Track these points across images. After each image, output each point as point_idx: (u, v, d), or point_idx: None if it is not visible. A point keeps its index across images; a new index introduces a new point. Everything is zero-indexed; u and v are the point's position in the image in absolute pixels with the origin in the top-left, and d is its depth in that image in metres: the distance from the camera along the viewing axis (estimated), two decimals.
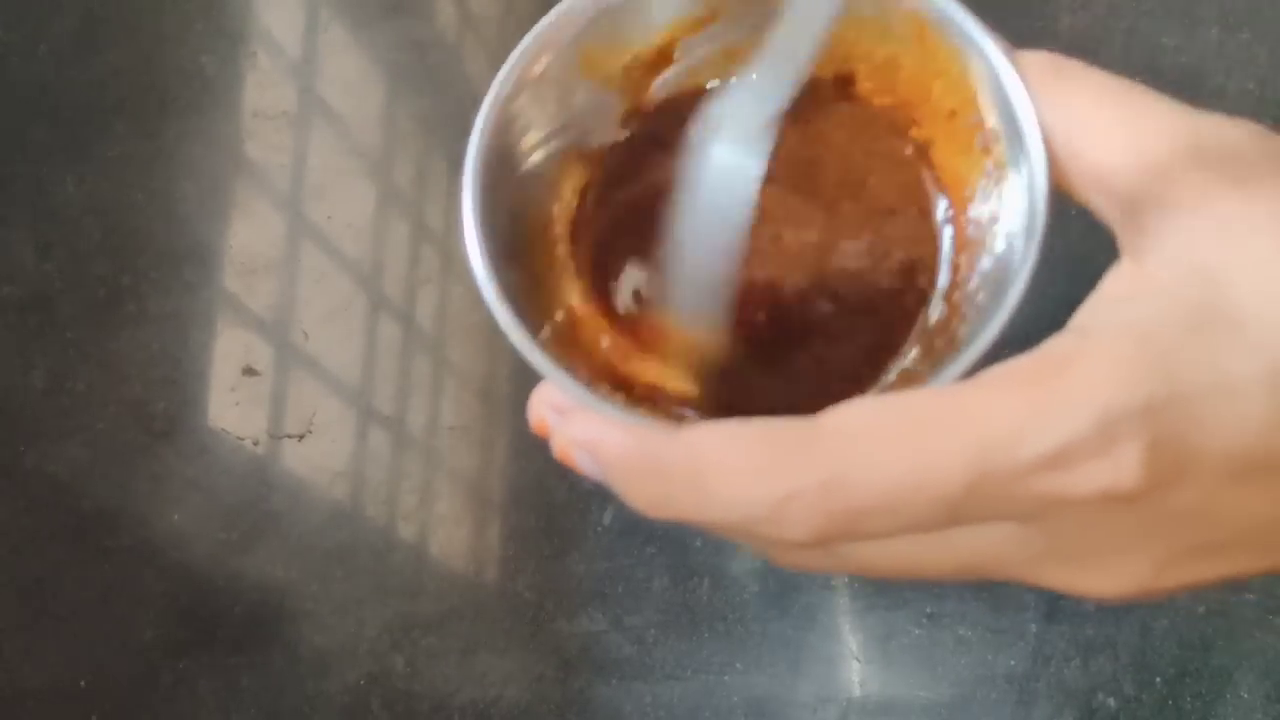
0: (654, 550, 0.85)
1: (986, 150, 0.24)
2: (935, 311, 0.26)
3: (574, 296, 0.27)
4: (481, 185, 0.24)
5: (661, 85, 0.28)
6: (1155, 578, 0.20)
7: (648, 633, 0.84)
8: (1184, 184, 0.20)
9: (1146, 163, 0.21)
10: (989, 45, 0.23)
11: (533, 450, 0.84)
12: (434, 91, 1.02)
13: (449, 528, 0.89)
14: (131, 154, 1.00)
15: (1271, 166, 0.20)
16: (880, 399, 0.20)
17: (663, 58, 0.28)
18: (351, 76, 1.03)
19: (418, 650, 0.86)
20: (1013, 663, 0.82)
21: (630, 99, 0.28)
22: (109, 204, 0.98)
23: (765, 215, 0.26)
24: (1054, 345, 0.20)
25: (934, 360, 0.24)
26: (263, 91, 1.02)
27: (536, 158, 0.26)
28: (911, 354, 0.26)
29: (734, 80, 0.24)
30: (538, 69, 0.25)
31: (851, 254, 0.26)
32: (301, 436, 0.92)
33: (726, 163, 0.23)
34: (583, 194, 0.28)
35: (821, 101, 0.27)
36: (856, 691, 0.83)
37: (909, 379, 0.25)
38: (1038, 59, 0.23)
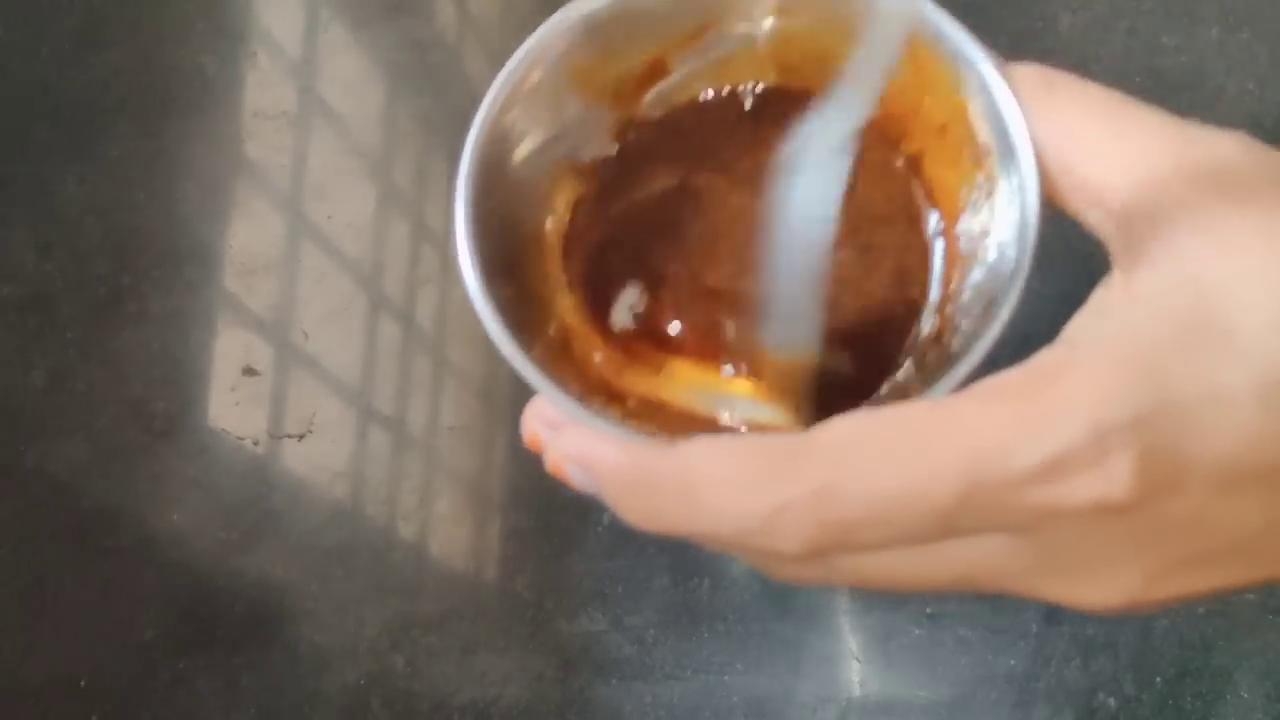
0: (654, 550, 0.85)
1: (978, 164, 0.24)
2: (927, 324, 0.26)
3: (567, 310, 0.27)
4: (474, 199, 0.24)
5: (653, 99, 0.28)
6: (1147, 589, 0.20)
7: (648, 633, 0.85)
8: (1174, 196, 0.21)
9: (1137, 175, 0.21)
10: (981, 59, 0.24)
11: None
12: (434, 91, 1.02)
13: (449, 527, 0.89)
14: (132, 154, 1.00)
15: (1261, 178, 0.21)
16: (872, 412, 0.20)
17: (654, 72, 0.28)
18: (351, 76, 1.03)
19: (418, 650, 0.86)
20: (1013, 663, 0.82)
21: (622, 113, 0.28)
22: (109, 203, 0.98)
23: (756, 227, 0.27)
24: (1045, 357, 0.20)
25: (927, 373, 0.24)
26: (263, 91, 1.02)
27: (529, 171, 0.26)
28: (904, 367, 0.26)
29: (818, 106, 0.24)
30: (529, 83, 0.26)
31: (842, 264, 0.26)
32: (301, 436, 0.92)
33: (809, 181, 0.23)
34: (575, 208, 0.28)
35: (813, 108, 0.28)
36: (856, 691, 0.83)
37: (902, 392, 0.25)
38: (1029, 72, 0.23)
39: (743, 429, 0.26)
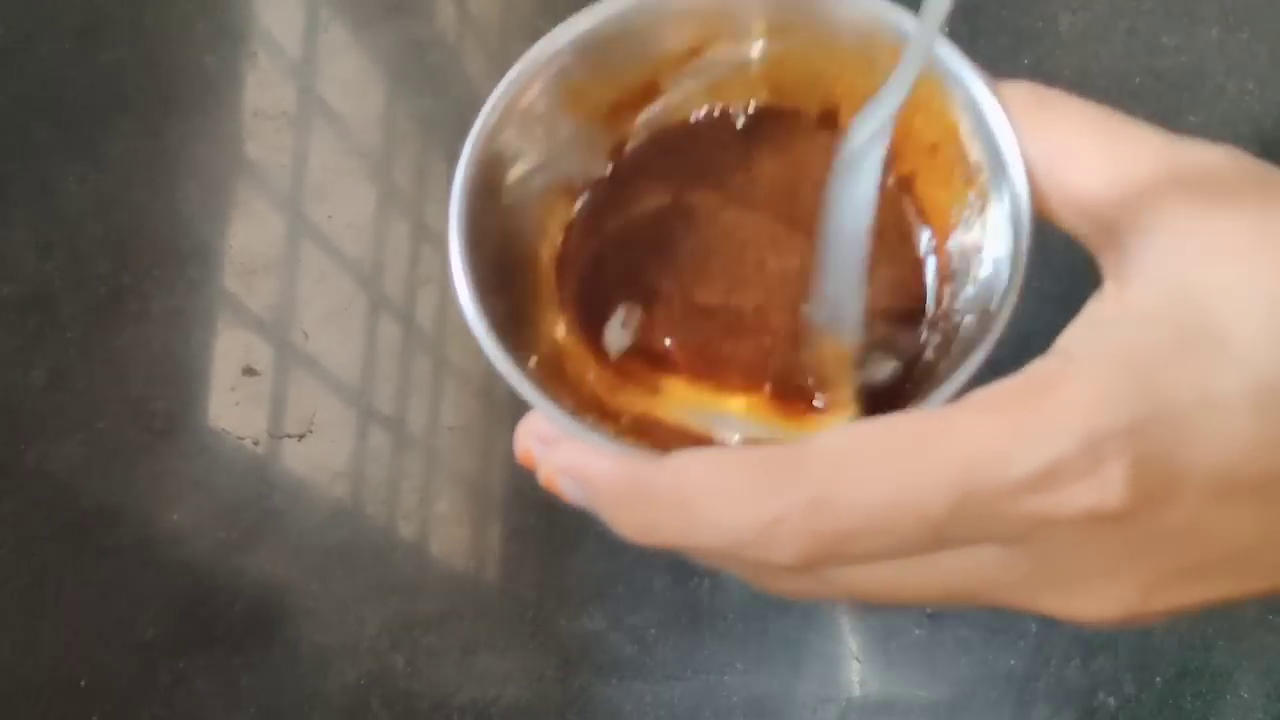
0: (654, 551, 0.85)
1: (969, 181, 0.25)
2: (922, 339, 0.26)
3: (560, 329, 0.27)
4: (468, 217, 0.24)
5: (646, 120, 0.28)
6: (1143, 601, 0.20)
7: (648, 632, 0.85)
8: (1164, 207, 0.21)
9: (1127, 188, 0.21)
10: (971, 77, 0.24)
11: None
12: (434, 91, 1.02)
13: (449, 527, 0.89)
14: (133, 153, 1.00)
15: (1250, 188, 0.21)
16: (866, 422, 0.20)
17: (647, 93, 0.28)
18: (351, 76, 1.03)
19: (418, 649, 0.86)
20: (1013, 662, 0.82)
21: (615, 133, 0.28)
22: (110, 203, 0.98)
23: (749, 243, 0.27)
24: (1038, 368, 0.20)
25: (923, 385, 0.25)
26: (263, 91, 1.02)
27: (523, 191, 0.27)
28: (892, 371, 0.26)
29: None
30: (523, 103, 0.26)
31: None
32: (302, 436, 0.92)
33: (854, 159, 0.23)
34: (568, 227, 0.28)
35: (805, 133, 0.28)
36: (856, 691, 0.83)
37: (901, 403, 0.25)
38: (1019, 90, 0.23)
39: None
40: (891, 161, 0.27)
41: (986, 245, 0.24)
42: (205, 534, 0.89)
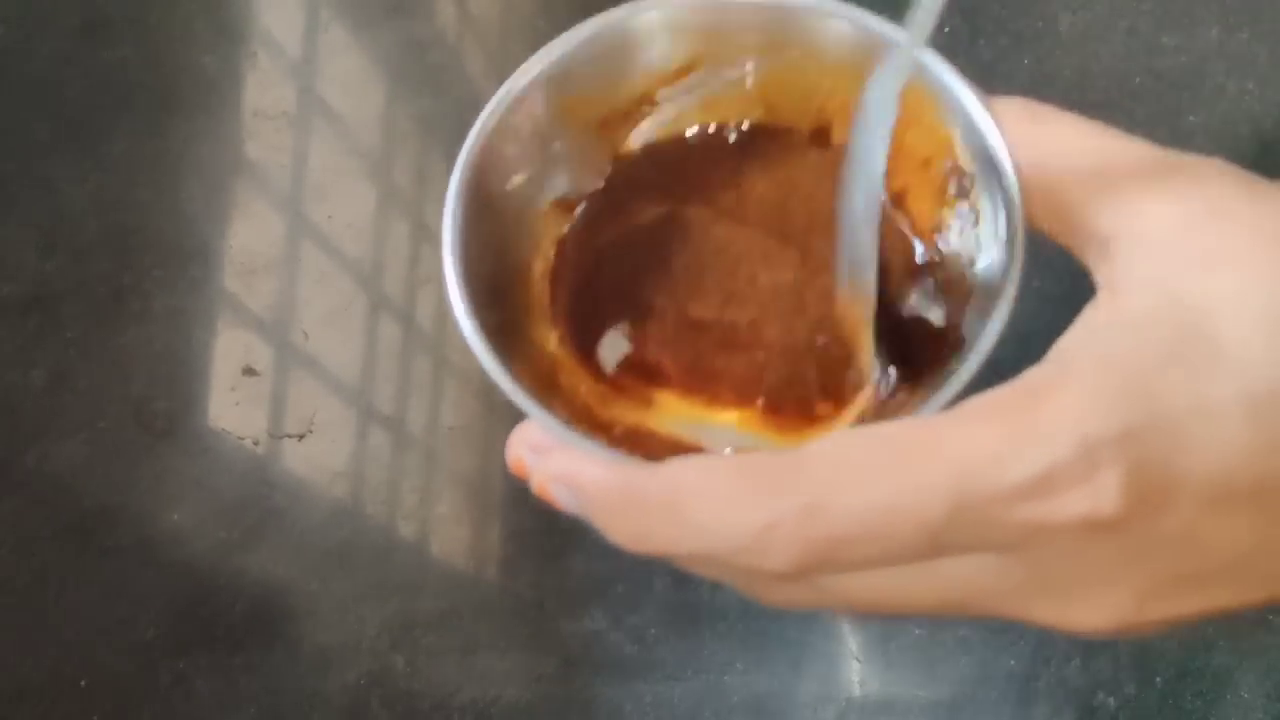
0: (649, 558, 0.85)
1: (962, 195, 0.25)
2: (910, 350, 0.26)
3: (553, 342, 0.27)
4: (462, 228, 0.24)
5: (640, 135, 0.28)
6: (1138, 610, 0.20)
7: (648, 632, 0.85)
8: (1157, 217, 0.21)
9: (1120, 199, 0.21)
10: (964, 90, 0.24)
11: None
12: (434, 91, 1.02)
13: (449, 527, 0.89)
14: (133, 153, 1.00)
15: (1242, 198, 0.21)
16: (860, 429, 0.20)
17: (640, 108, 0.28)
18: (351, 76, 1.03)
19: (418, 649, 0.86)
20: (1013, 663, 0.82)
21: (608, 148, 0.28)
22: (111, 203, 0.98)
23: (742, 258, 0.27)
24: (1033, 375, 0.20)
25: (916, 395, 0.25)
26: (263, 91, 1.02)
27: (516, 204, 0.27)
28: (885, 387, 0.26)
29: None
30: (517, 116, 0.26)
31: (827, 292, 0.27)
32: (302, 436, 0.92)
33: (866, 135, 0.24)
34: (561, 241, 0.28)
35: (798, 150, 0.28)
36: (856, 691, 0.83)
37: (896, 411, 0.25)
38: (1012, 104, 0.24)
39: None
40: (885, 177, 0.27)
41: (980, 258, 0.24)
42: (205, 534, 0.89)
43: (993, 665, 0.82)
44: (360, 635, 0.86)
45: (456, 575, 0.89)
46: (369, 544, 0.89)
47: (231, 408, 0.93)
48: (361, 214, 0.97)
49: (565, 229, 0.28)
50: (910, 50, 0.23)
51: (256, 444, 0.92)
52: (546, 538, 0.87)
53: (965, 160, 0.24)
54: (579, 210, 0.28)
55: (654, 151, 0.28)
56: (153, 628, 0.87)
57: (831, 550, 0.19)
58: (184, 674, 0.86)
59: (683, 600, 0.84)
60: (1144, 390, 0.19)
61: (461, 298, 0.23)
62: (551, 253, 0.27)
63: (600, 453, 0.22)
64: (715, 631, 0.84)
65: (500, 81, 0.26)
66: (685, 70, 0.27)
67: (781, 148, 0.27)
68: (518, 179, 0.26)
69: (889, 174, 0.27)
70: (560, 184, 0.27)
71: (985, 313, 0.23)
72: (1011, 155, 0.23)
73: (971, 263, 0.24)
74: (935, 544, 0.19)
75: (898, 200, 0.27)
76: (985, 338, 0.22)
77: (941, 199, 0.25)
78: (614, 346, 0.27)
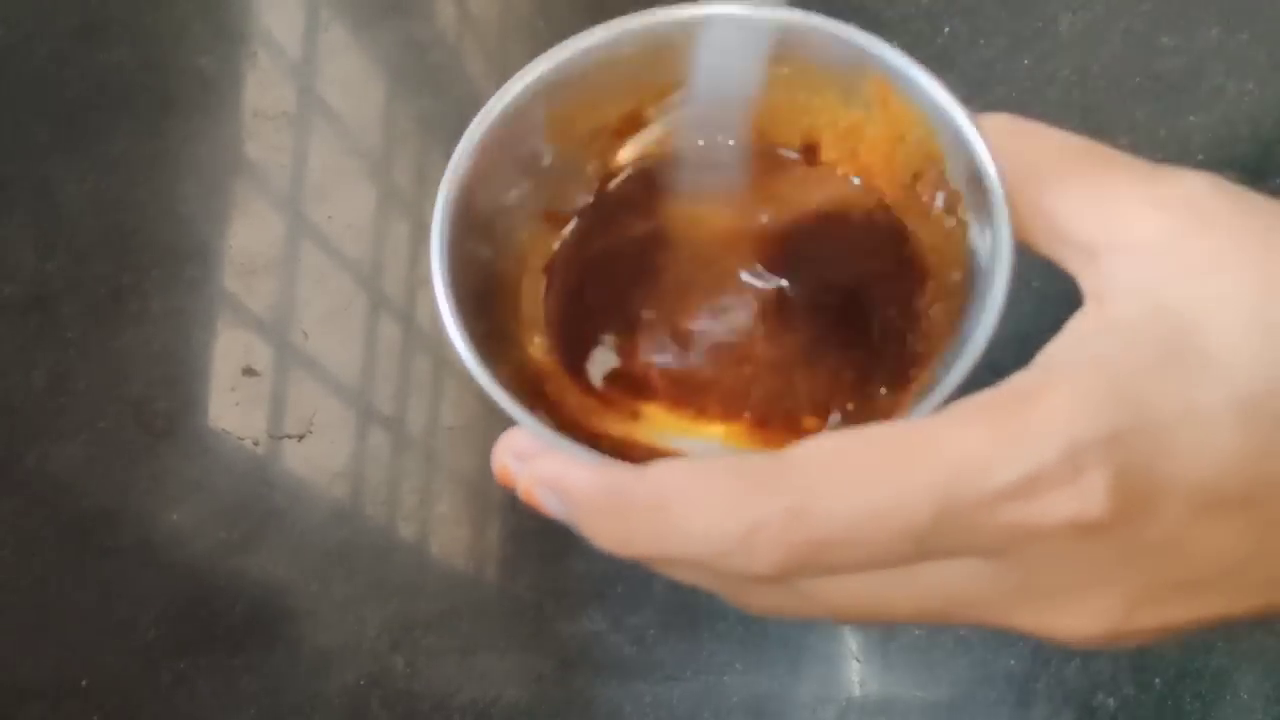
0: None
1: (950, 210, 0.25)
2: (897, 362, 0.26)
3: (541, 353, 0.27)
4: (450, 241, 0.24)
5: (629, 150, 0.28)
6: (1127, 617, 0.20)
7: (648, 633, 0.85)
8: (1144, 227, 0.21)
9: (1107, 210, 0.21)
10: (952, 106, 0.24)
11: None
12: (434, 91, 1.02)
13: (449, 527, 0.89)
14: (132, 153, 1.00)
15: (1229, 209, 0.21)
16: (845, 432, 0.20)
17: (630, 124, 0.28)
18: (351, 76, 1.03)
19: (418, 650, 0.86)
20: (1012, 663, 0.82)
21: (598, 163, 0.28)
22: (110, 203, 0.98)
23: (730, 273, 0.27)
24: (1020, 379, 0.20)
25: (903, 406, 0.25)
26: (263, 91, 1.02)
27: (506, 217, 0.27)
28: (872, 400, 0.26)
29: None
30: (506, 130, 0.26)
31: (815, 306, 0.27)
32: (301, 436, 0.92)
33: (727, 48, 0.24)
34: (551, 255, 0.28)
35: (786, 165, 0.28)
36: (856, 691, 0.83)
37: (884, 416, 0.25)
38: (999, 120, 0.24)
39: None
40: (871, 192, 0.27)
41: (967, 269, 0.24)
42: (205, 534, 0.89)
43: (992, 666, 0.82)
44: (360, 636, 0.86)
45: (456, 576, 0.89)
46: (369, 544, 0.89)
47: (231, 408, 0.93)
48: (361, 214, 0.97)
49: (555, 243, 0.28)
50: None
51: (256, 444, 0.92)
52: (546, 538, 0.87)
53: (952, 175, 0.24)
54: (569, 225, 0.28)
55: (645, 168, 0.28)
56: (153, 628, 0.87)
57: (816, 553, 0.19)
58: (184, 674, 0.86)
59: (682, 601, 0.84)
60: (1132, 395, 0.19)
61: (450, 309, 0.23)
62: (540, 265, 0.28)
63: (586, 456, 0.22)
64: (715, 632, 0.84)
65: (500, 82, 0.26)
66: (677, 86, 0.27)
67: (769, 163, 0.28)
68: (508, 192, 0.26)
69: (879, 194, 0.27)
70: (552, 198, 0.28)
71: (973, 323, 0.23)
72: (998, 168, 0.23)
73: (960, 274, 0.24)
74: (920, 547, 0.19)
75: (889, 218, 0.27)
76: (971, 347, 0.22)
77: (930, 213, 0.25)
78: (602, 359, 0.27)
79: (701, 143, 0.28)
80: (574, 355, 0.27)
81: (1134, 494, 0.18)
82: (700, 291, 0.27)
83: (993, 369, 0.21)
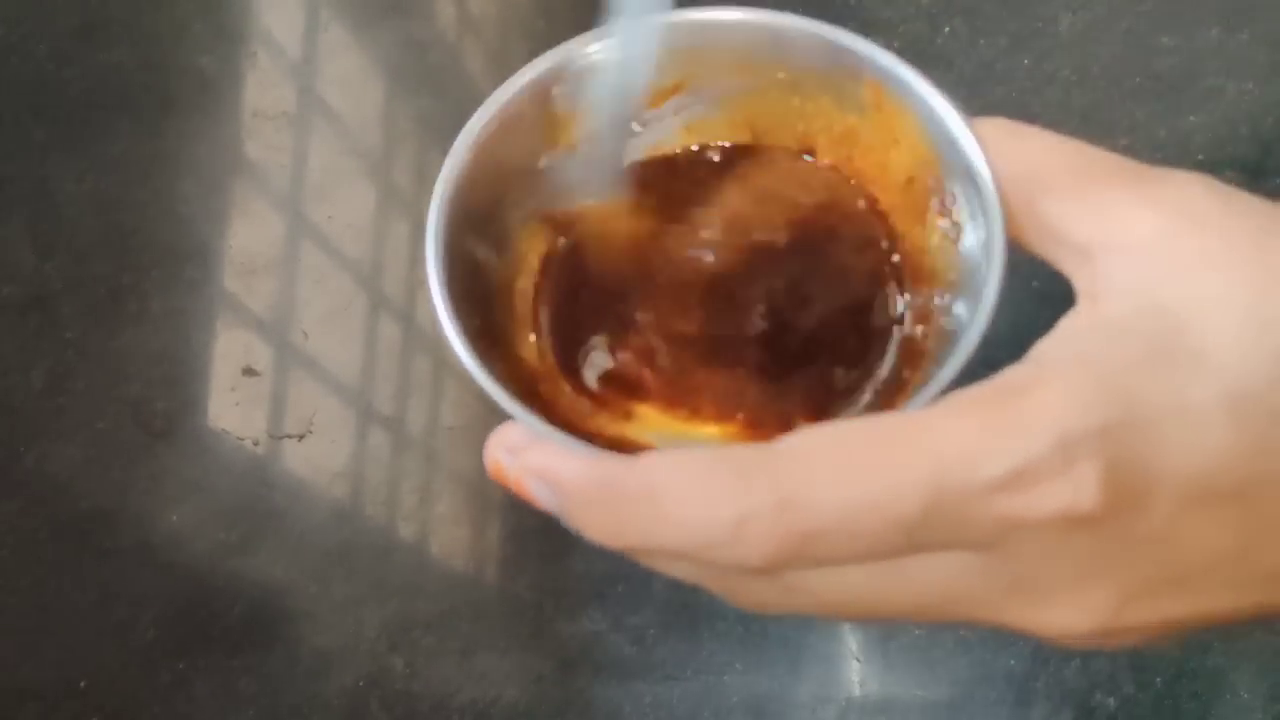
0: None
1: (944, 211, 0.25)
2: (890, 363, 0.26)
3: (535, 354, 0.27)
4: (446, 239, 0.24)
5: (625, 155, 0.29)
6: (1118, 613, 0.20)
7: (648, 633, 0.85)
8: (1137, 227, 0.21)
9: (1100, 210, 0.21)
10: (946, 110, 0.24)
11: None
12: (434, 91, 1.02)
13: (449, 528, 0.89)
14: (132, 153, 1.00)
15: (1221, 209, 0.21)
16: (836, 424, 0.20)
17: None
18: (351, 76, 1.03)
19: (417, 650, 0.86)
20: (1012, 662, 0.82)
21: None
22: (109, 203, 0.98)
23: (724, 276, 0.27)
24: (1011, 373, 0.20)
25: (897, 402, 0.25)
26: (263, 91, 1.02)
27: (501, 218, 0.27)
28: (865, 400, 0.26)
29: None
30: (503, 131, 0.26)
31: (810, 308, 0.27)
32: (301, 436, 0.92)
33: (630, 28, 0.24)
34: (545, 257, 0.28)
35: (780, 170, 0.28)
36: (856, 691, 0.83)
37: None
38: (993, 123, 0.24)
39: None
40: (863, 192, 0.28)
41: (961, 271, 0.24)
42: (205, 535, 0.89)
43: (992, 665, 0.82)
44: (359, 637, 0.86)
45: (455, 576, 0.89)
46: (368, 545, 0.89)
47: (231, 408, 0.93)
48: (361, 214, 0.97)
49: (549, 245, 0.28)
50: None
51: (256, 444, 0.92)
52: (546, 538, 0.87)
53: (947, 178, 0.24)
54: (564, 227, 0.28)
55: (639, 170, 0.29)
56: (152, 629, 0.87)
57: (806, 544, 0.19)
58: (183, 675, 0.86)
59: (682, 601, 0.84)
60: (1123, 389, 0.19)
61: (445, 305, 0.23)
62: (536, 266, 0.28)
63: (577, 448, 0.22)
64: (714, 632, 0.84)
65: (500, 82, 0.26)
66: (672, 90, 0.28)
67: (765, 167, 0.28)
68: (503, 192, 0.26)
69: (874, 198, 0.27)
70: (546, 201, 0.28)
71: (966, 324, 0.23)
72: (991, 170, 0.23)
73: (954, 275, 0.24)
74: (911, 539, 0.19)
75: (881, 217, 0.27)
76: (963, 346, 0.22)
77: (925, 216, 0.25)
78: (596, 360, 0.27)
79: (696, 146, 0.28)
80: (568, 355, 0.27)
81: (1125, 487, 0.18)
82: (694, 293, 0.27)
83: (991, 369, 0.21)
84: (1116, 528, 0.19)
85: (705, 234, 0.28)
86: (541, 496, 0.22)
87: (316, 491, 0.90)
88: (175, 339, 0.94)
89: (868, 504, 0.19)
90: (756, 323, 0.27)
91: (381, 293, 0.96)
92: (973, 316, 0.23)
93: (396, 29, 1.04)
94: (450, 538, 0.89)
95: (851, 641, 0.84)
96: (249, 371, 0.93)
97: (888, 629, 0.84)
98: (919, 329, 0.26)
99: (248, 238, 0.97)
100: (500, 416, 0.24)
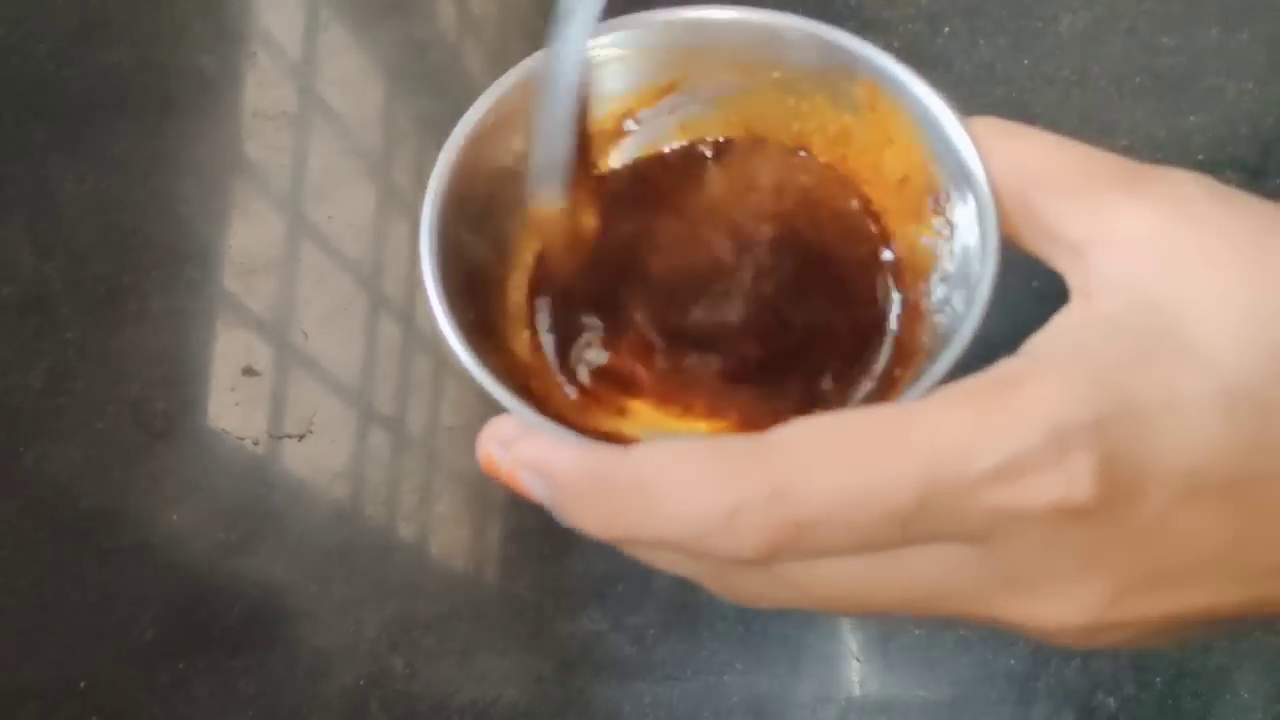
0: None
1: (938, 210, 0.25)
2: (883, 360, 0.26)
3: (528, 349, 0.27)
4: (441, 232, 0.24)
5: (620, 154, 0.29)
6: (1111, 606, 0.20)
7: (648, 633, 0.85)
8: (1130, 224, 0.21)
9: (1092, 206, 0.21)
10: (940, 109, 0.24)
11: None
12: (434, 91, 1.02)
13: (449, 528, 0.89)
14: (132, 153, 1.00)
15: (1214, 206, 0.21)
16: (829, 415, 0.20)
17: (620, 125, 0.28)
18: (351, 76, 1.03)
19: (417, 651, 0.86)
20: (1013, 662, 0.82)
21: (589, 165, 0.28)
22: (109, 203, 0.98)
23: (718, 272, 0.27)
24: (1006, 366, 0.20)
25: (891, 399, 0.25)
26: (263, 91, 1.02)
27: (496, 213, 0.27)
28: (859, 397, 0.26)
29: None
30: (497, 126, 0.26)
31: (805, 304, 0.27)
32: (301, 436, 0.92)
33: (566, 20, 0.24)
34: (539, 253, 0.28)
35: (775, 168, 0.28)
36: (856, 691, 0.83)
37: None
38: (987, 122, 0.24)
39: None
40: (857, 191, 0.28)
41: (955, 270, 0.24)
42: (204, 535, 0.89)
43: (992, 665, 0.82)
44: (359, 637, 0.86)
45: (456, 576, 0.89)
46: (368, 545, 0.89)
47: (231, 408, 0.93)
48: (361, 214, 0.97)
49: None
50: None
51: (256, 444, 0.92)
52: (546, 538, 0.87)
53: (941, 176, 0.25)
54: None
55: (634, 167, 0.29)
56: (152, 629, 0.87)
57: (798, 535, 0.19)
58: (183, 676, 0.86)
59: (682, 601, 0.84)
60: (1118, 383, 0.19)
61: (440, 299, 0.23)
62: (529, 261, 0.28)
63: (569, 439, 0.22)
64: (715, 632, 0.84)
65: None
66: (666, 89, 0.28)
67: (760, 165, 0.28)
68: (497, 187, 0.26)
69: (869, 199, 0.28)
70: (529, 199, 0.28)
71: (959, 322, 0.23)
72: (985, 169, 0.23)
73: (948, 274, 0.25)
74: (904, 530, 0.19)
75: (874, 217, 0.27)
76: (956, 343, 0.22)
77: (919, 215, 0.26)
78: (589, 355, 0.27)
79: (690, 144, 0.29)
80: (562, 351, 0.27)
81: (1119, 479, 0.18)
82: (688, 289, 0.27)
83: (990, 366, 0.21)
84: (1110, 521, 0.19)
85: (699, 231, 0.28)
86: (534, 488, 0.22)
87: (316, 491, 0.90)
88: (175, 339, 0.94)
89: (861, 495, 0.19)
90: (750, 320, 0.27)
91: (381, 293, 0.96)
92: (966, 314, 0.23)
93: (396, 29, 1.04)
94: (450, 538, 0.89)
95: (852, 641, 0.84)
96: (249, 371, 0.93)
97: (888, 628, 0.84)
98: (913, 327, 0.26)
99: (248, 238, 0.97)
100: (497, 413, 0.24)
